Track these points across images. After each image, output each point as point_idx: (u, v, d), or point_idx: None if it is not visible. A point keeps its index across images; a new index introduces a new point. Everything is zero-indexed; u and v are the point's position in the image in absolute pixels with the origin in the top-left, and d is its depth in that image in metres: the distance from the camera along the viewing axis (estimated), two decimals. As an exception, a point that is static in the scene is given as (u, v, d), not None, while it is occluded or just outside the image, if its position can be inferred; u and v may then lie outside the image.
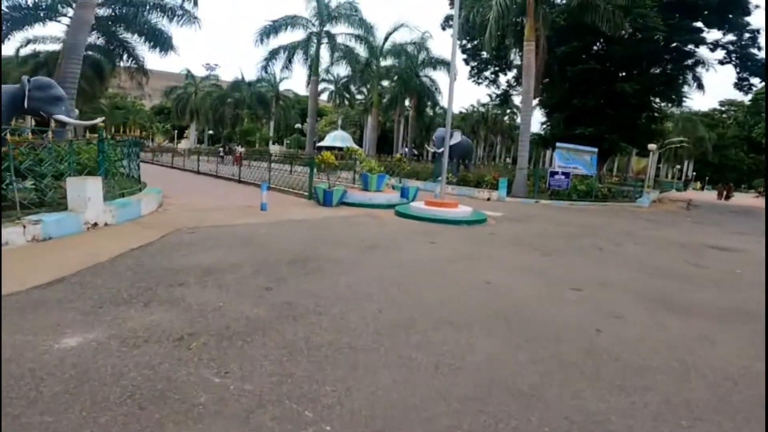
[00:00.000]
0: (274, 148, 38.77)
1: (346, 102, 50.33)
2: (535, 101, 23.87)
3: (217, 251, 5.79)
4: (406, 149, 37.47)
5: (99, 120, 11.38)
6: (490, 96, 52.38)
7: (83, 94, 32.71)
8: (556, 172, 16.49)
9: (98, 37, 20.32)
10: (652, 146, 20.78)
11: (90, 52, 23.60)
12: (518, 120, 59.47)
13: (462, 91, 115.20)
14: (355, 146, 34.24)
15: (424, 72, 32.22)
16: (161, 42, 18.64)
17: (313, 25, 26.21)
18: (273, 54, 26.57)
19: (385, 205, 10.98)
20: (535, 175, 16.52)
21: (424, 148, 44.59)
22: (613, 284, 5.52)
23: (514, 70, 29.98)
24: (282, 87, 49.26)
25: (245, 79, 45.96)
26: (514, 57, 28.52)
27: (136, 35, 19.19)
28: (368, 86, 33.28)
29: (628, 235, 10.03)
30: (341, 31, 26.66)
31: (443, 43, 42.08)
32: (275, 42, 26.16)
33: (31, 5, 16.40)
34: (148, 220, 7.74)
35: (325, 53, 27.64)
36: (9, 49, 26.58)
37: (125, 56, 21.30)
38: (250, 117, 51.38)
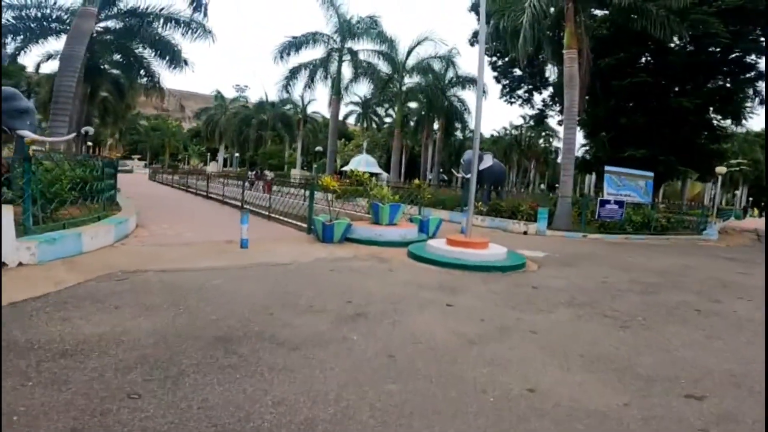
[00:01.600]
0: (296, 172, 37.58)
1: (374, 125, 49.22)
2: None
3: (123, 313, 4.01)
4: (432, 175, 35.53)
5: (71, 136, 10.11)
6: (523, 117, 50.07)
7: (113, 112, 32.99)
8: (608, 201, 13.93)
9: (106, 50, 19.74)
10: (720, 169, 17.86)
11: (115, 71, 23.35)
12: (555, 143, 56.97)
13: (493, 113, 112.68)
14: (379, 170, 32.66)
15: (452, 91, 30.35)
16: (171, 55, 17.84)
17: (335, 41, 25.06)
18: (294, 72, 25.43)
19: (397, 243, 8.91)
20: (582, 205, 14.03)
21: (453, 173, 42.50)
22: (751, 380, 3.27)
23: (550, 89, 27.77)
24: (310, 109, 48.63)
25: (269, 99, 45.50)
26: (551, 73, 26.39)
27: (147, 49, 18.51)
28: (395, 108, 31.83)
29: (722, 284, 7.52)
30: (363, 47, 25.50)
31: (472, 61, 40.35)
32: (296, 60, 25.16)
33: (40, 16, 15.77)
34: (85, 259, 6.08)
35: (347, 71, 26.44)
36: (28, 63, 26.99)
37: (142, 72, 20.65)
38: (273, 139, 50.84)
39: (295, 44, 24.16)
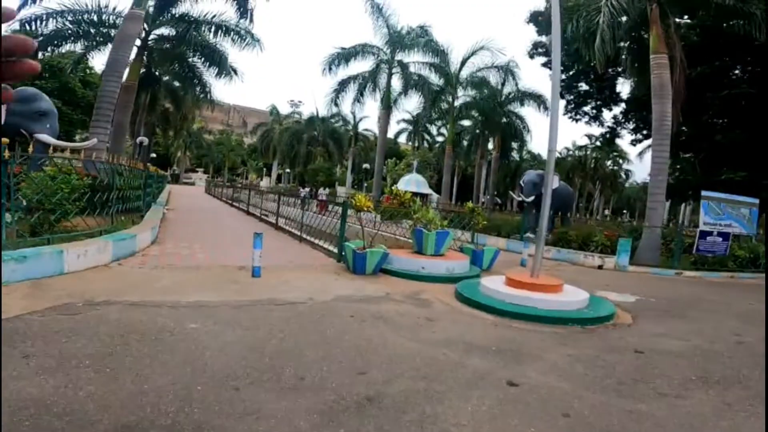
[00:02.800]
0: (342, 191, 36.75)
1: (426, 143, 47.87)
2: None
3: (25, 366, 2.82)
4: (485, 197, 33.30)
5: (89, 143, 9.52)
6: (589, 137, 46.42)
7: (174, 124, 34.19)
8: (709, 232, 11.35)
9: (164, 59, 19.92)
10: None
11: (172, 80, 23.85)
12: (625, 165, 52.28)
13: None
14: (429, 191, 30.97)
15: (510, 107, 28.14)
16: (219, 62, 17.68)
17: (384, 53, 24.01)
18: (342, 85, 24.57)
19: (443, 278, 7.21)
20: (676, 236, 11.51)
21: (508, 196, 39.72)
22: None
23: (622, 104, 25.09)
24: (362, 126, 48.14)
25: (319, 114, 45.48)
26: (623, 87, 23.81)
27: (198, 57, 18.48)
28: (447, 125, 30.25)
29: None
30: (413, 59, 24.35)
31: (530, 75, 37.98)
32: (344, 72, 24.40)
33: (97, 21, 15.92)
34: (57, 282, 5.09)
35: (397, 84, 25.20)
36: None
37: (195, 81, 20.77)
38: (323, 155, 50.65)
39: (344, 56, 23.41)
